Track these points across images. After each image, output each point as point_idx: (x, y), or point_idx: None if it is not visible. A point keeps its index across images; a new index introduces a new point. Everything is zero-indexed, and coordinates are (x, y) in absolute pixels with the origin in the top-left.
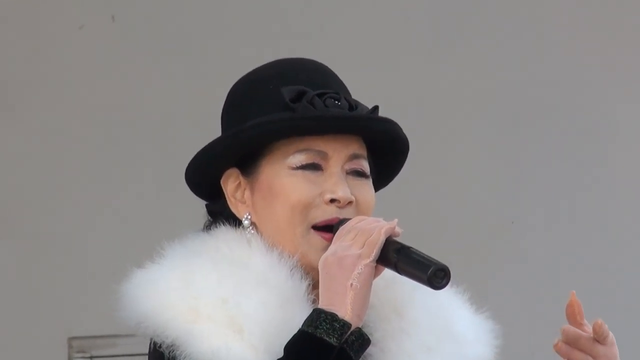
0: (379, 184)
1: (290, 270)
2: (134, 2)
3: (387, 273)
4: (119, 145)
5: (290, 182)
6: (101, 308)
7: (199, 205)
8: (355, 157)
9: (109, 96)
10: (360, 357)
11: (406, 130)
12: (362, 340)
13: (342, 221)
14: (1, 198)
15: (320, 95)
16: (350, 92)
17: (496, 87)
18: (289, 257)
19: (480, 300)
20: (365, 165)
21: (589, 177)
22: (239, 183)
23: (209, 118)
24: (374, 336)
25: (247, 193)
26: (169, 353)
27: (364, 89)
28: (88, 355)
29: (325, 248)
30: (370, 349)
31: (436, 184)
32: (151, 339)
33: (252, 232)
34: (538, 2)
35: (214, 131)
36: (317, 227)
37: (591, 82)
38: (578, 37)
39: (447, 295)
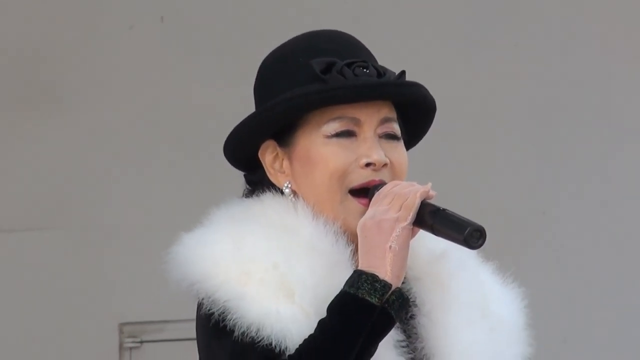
0: (410, 143)
1: (335, 236)
2: (183, 3)
3: (436, 248)
4: (165, 139)
5: (326, 151)
6: (150, 295)
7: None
8: (386, 120)
9: (157, 93)
10: (400, 316)
11: (441, 124)
12: (402, 299)
13: (376, 186)
14: (56, 191)
15: (349, 65)
16: None
17: (529, 84)
18: (332, 223)
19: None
20: (396, 128)
21: (618, 168)
22: (277, 154)
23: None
24: (425, 307)
25: (285, 163)
26: (219, 315)
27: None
28: (138, 340)
29: (362, 212)
30: (421, 319)
31: (468, 176)
32: (199, 301)
33: (296, 199)
34: (567, 3)
35: None
36: (354, 192)
37: (619, 78)
38: (604, 36)
39: (486, 274)
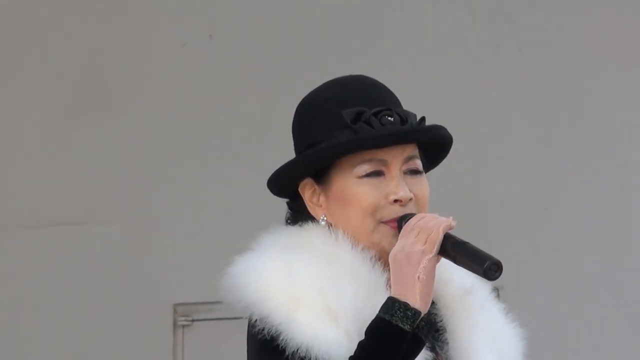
0: (429, 168)
1: (372, 263)
2: (229, 23)
3: (465, 282)
4: (210, 142)
5: (359, 190)
6: (200, 279)
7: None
8: (410, 158)
9: (205, 101)
10: (428, 338)
11: (447, 124)
12: (430, 325)
13: (404, 217)
14: (114, 187)
15: (375, 114)
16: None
17: (532, 86)
18: (368, 250)
19: (515, 280)
20: (418, 164)
21: (619, 164)
22: (314, 190)
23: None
24: (455, 334)
25: (322, 198)
26: (271, 336)
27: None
28: (190, 318)
29: (393, 235)
30: (452, 344)
31: (472, 174)
32: (250, 320)
33: (333, 230)
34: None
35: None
36: (384, 222)
37: (619, 81)
38: (607, 41)
39: (498, 311)
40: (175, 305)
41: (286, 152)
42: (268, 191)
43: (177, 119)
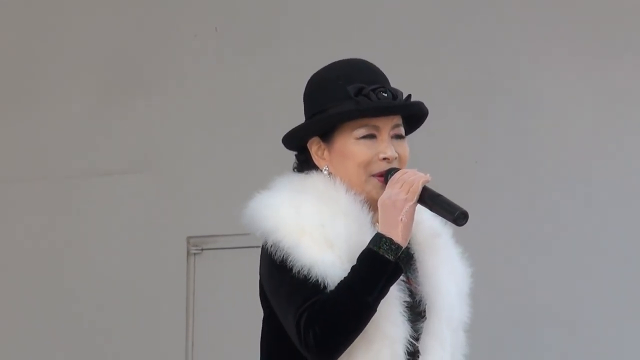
0: (407, 132)
1: (361, 205)
2: (233, 17)
3: (435, 226)
4: (220, 115)
5: (356, 149)
6: (208, 217)
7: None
8: (396, 126)
9: (215, 82)
10: (405, 267)
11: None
12: (408, 256)
13: (390, 170)
14: (144, 147)
15: (373, 90)
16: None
17: (471, 73)
18: (359, 195)
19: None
20: (402, 130)
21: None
22: (320, 146)
23: (292, 105)
24: (424, 265)
25: (325, 153)
26: (282, 257)
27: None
28: (200, 248)
29: (380, 187)
30: (422, 272)
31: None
32: (265, 245)
33: (333, 177)
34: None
35: (295, 113)
36: (374, 175)
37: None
38: (520, 31)
39: (455, 250)
40: (189, 238)
41: (279, 119)
42: (264, 151)
43: (192, 94)
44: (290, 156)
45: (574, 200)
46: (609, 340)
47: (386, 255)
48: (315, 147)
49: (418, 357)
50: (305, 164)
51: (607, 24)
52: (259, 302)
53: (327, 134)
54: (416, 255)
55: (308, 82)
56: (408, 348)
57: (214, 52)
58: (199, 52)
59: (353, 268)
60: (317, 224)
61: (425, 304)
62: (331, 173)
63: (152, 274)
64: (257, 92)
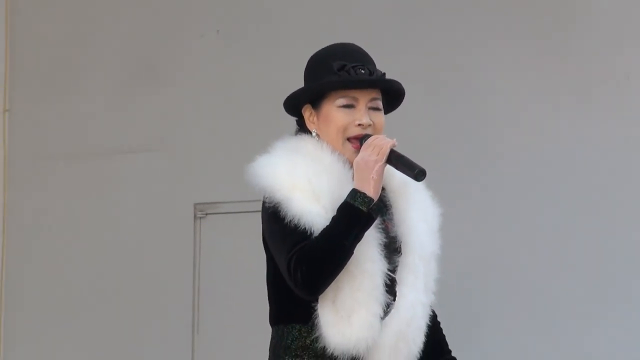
0: (388, 111)
1: (343, 164)
2: (234, 20)
3: (405, 178)
4: (225, 104)
5: (337, 115)
6: (211, 187)
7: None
8: (373, 99)
9: (218, 76)
10: (377, 216)
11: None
12: (379, 208)
13: (365, 136)
14: (159, 128)
15: (353, 67)
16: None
17: (434, 67)
18: (341, 155)
19: None
20: (379, 104)
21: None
22: (311, 112)
23: (282, 96)
24: (398, 209)
25: (314, 118)
26: (276, 209)
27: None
28: (204, 212)
29: (354, 152)
30: (396, 215)
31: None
32: (264, 199)
33: (320, 140)
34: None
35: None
36: (350, 139)
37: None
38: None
39: (427, 195)
40: (195, 204)
41: (274, 107)
42: (260, 133)
43: (199, 84)
44: (279, 134)
45: (518, 179)
46: (568, 288)
47: (360, 207)
48: (307, 113)
49: (395, 286)
50: (301, 128)
51: (553, 23)
52: (255, 259)
53: (316, 102)
54: (391, 202)
55: (308, 61)
56: (386, 280)
57: (216, 50)
58: (204, 50)
59: (333, 218)
60: (305, 179)
61: (401, 242)
62: (319, 135)
63: (164, 235)
64: (253, 84)
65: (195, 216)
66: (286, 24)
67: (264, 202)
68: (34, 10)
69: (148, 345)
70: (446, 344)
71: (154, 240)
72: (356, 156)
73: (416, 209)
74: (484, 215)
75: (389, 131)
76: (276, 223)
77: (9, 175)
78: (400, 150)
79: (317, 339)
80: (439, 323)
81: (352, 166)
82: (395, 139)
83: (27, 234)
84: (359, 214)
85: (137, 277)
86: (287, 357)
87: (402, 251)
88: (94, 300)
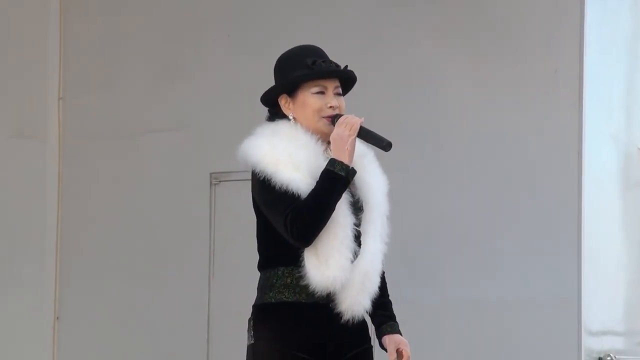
0: (344, 93)
1: (315, 141)
2: (242, 25)
3: (364, 150)
4: (235, 96)
5: (312, 100)
6: (224, 159)
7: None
8: (337, 87)
9: (233, 71)
10: (351, 181)
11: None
12: (354, 173)
13: (336, 116)
14: (183, 113)
15: (323, 61)
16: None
17: (394, 63)
18: (313, 134)
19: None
20: (340, 90)
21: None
22: (287, 100)
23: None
24: (361, 176)
25: (291, 105)
26: (266, 179)
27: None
28: (219, 180)
29: (328, 124)
30: (358, 181)
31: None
32: (254, 172)
33: (295, 123)
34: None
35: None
36: (324, 117)
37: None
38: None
39: (376, 164)
40: (211, 173)
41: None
42: (261, 111)
43: (215, 76)
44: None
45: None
46: (503, 252)
47: (340, 173)
48: (283, 102)
49: (360, 236)
50: (276, 115)
51: (493, 24)
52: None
53: (292, 92)
54: (355, 169)
55: (277, 60)
56: (354, 232)
57: (227, 50)
58: (218, 50)
59: (317, 182)
60: (286, 154)
61: (362, 201)
62: (295, 119)
63: (185, 198)
64: (257, 77)
65: (211, 183)
66: (285, 31)
67: (254, 173)
68: (82, 14)
69: (172, 285)
70: (386, 290)
71: (177, 203)
72: (331, 129)
73: (372, 175)
74: (435, 179)
75: (363, 112)
76: (268, 191)
77: (63, 152)
78: (367, 126)
79: (297, 278)
80: (383, 272)
81: (324, 142)
82: (363, 118)
83: (78, 199)
84: (338, 178)
85: (163, 233)
86: (271, 294)
87: (364, 209)
88: (129, 243)
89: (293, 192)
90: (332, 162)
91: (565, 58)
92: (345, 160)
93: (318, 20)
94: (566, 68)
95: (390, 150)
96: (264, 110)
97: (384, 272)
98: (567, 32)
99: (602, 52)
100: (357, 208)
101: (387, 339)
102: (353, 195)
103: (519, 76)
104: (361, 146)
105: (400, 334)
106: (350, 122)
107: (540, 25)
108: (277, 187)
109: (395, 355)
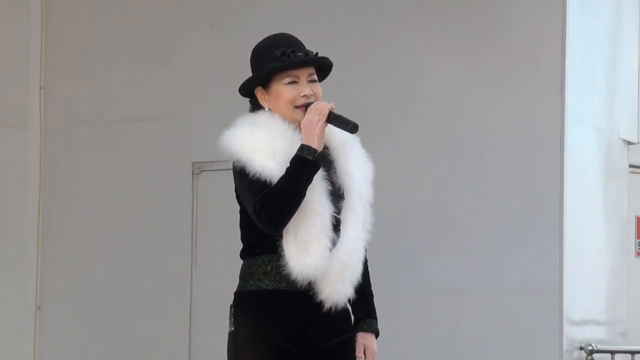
0: (322, 79)
1: (291, 129)
2: (225, 14)
3: (345, 136)
4: (218, 86)
5: (285, 91)
6: (206, 148)
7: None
8: (311, 74)
9: (215, 59)
10: (321, 165)
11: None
12: (322, 157)
13: (309, 104)
14: (166, 102)
15: (292, 52)
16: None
17: (364, 54)
18: (289, 123)
19: None
20: (315, 77)
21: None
22: (262, 92)
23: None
24: (339, 162)
25: (266, 96)
26: (243, 167)
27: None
28: (201, 169)
29: (302, 114)
30: (338, 168)
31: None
32: (234, 161)
33: (273, 113)
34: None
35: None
36: (298, 107)
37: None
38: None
39: (361, 151)
40: (193, 162)
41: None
42: (242, 101)
43: (196, 65)
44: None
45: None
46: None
47: (307, 157)
48: (259, 94)
49: (340, 225)
50: (255, 107)
51: (479, 15)
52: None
53: (266, 84)
54: (334, 158)
55: (252, 51)
56: (333, 220)
57: (209, 39)
58: (199, 39)
59: (287, 168)
60: (263, 143)
61: (343, 189)
62: (271, 110)
63: (168, 187)
64: (238, 66)
65: (193, 172)
66: (267, 20)
67: (233, 164)
68: (64, 3)
69: (154, 274)
70: (369, 280)
71: (160, 191)
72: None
73: (354, 162)
74: (417, 167)
75: (345, 101)
76: (243, 179)
77: (44, 141)
78: (339, 112)
79: (277, 267)
80: (366, 261)
81: (300, 130)
82: (333, 103)
83: (59, 188)
84: (306, 162)
85: (146, 222)
86: (251, 281)
87: (345, 197)
88: (111, 231)
89: (265, 180)
90: (301, 147)
91: (548, 48)
92: (314, 145)
93: (300, 9)
94: (548, 58)
95: (373, 139)
96: (246, 100)
97: (366, 261)
98: (549, 22)
99: (584, 42)
100: (337, 196)
101: (360, 337)
102: (334, 183)
103: (501, 66)
104: (344, 133)
105: (377, 332)
106: (319, 108)
107: (523, 15)
108: (250, 174)
109: (362, 355)
